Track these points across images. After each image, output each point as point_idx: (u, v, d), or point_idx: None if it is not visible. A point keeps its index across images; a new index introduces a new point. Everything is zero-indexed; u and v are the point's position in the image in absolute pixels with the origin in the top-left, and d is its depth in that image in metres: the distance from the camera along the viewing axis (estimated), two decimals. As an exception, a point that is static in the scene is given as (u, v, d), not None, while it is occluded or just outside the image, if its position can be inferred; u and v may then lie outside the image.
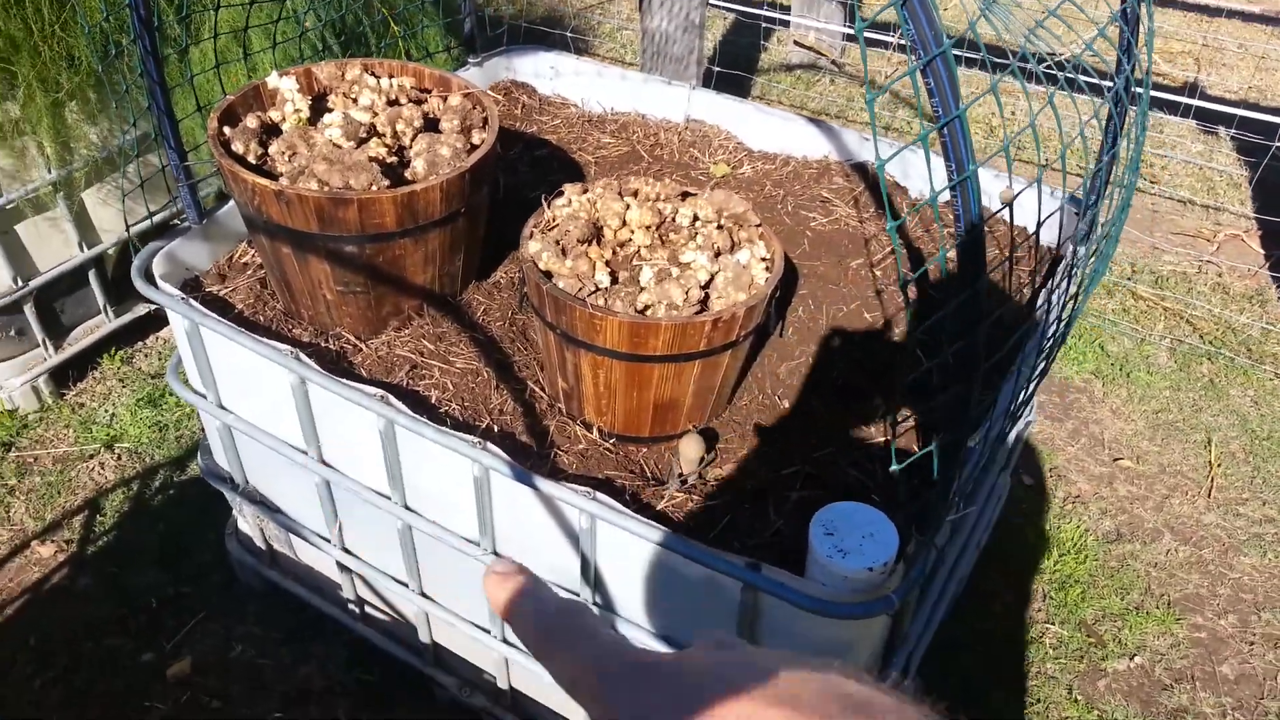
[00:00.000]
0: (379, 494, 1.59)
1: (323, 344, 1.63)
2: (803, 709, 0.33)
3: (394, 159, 1.59)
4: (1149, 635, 2.07)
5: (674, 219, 1.51)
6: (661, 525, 1.26)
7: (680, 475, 1.41)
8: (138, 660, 1.96)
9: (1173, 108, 3.53)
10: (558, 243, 1.43)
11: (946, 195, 0.97)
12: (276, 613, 2.03)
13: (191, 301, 1.59)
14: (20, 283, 2.36)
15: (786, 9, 4.44)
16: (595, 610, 1.42)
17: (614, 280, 1.41)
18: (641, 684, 0.37)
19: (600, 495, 1.28)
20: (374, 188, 1.48)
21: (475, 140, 1.64)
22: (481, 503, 1.43)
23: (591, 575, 1.39)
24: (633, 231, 1.48)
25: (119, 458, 2.38)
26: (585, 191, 1.54)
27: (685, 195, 1.57)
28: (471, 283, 1.75)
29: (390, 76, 1.75)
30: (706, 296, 1.38)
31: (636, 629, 1.40)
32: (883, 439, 1.47)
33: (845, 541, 1.17)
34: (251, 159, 1.55)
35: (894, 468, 1.10)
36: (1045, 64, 1.14)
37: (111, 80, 2.23)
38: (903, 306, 1.64)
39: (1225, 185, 3.57)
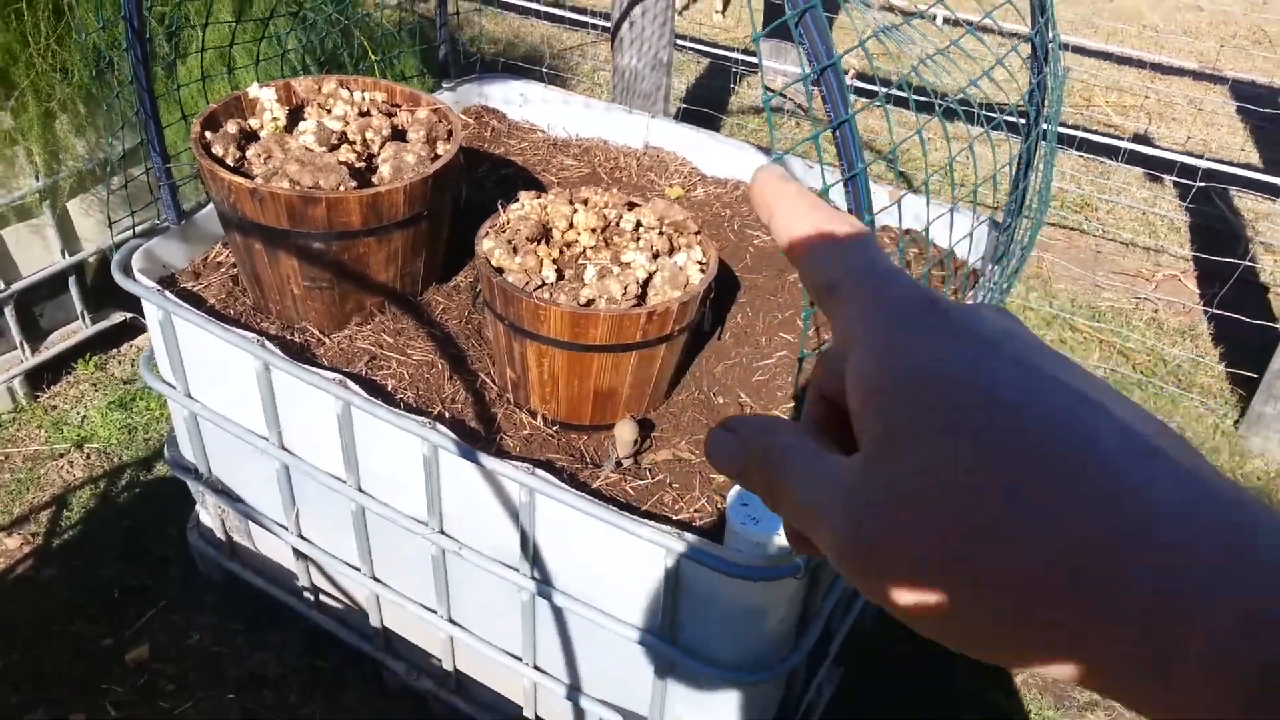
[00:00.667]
0: (335, 477, 1.68)
1: (289, 336, 1.73)
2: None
3: (362, 164, 1.71)
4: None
5: (618, 223, 1.63)
6: (596, 500, 1.36)
7: (616, 459, 1.51)
8: (98, 645, 2.02)
9: (1120, 156, 3.72)
10: (509, 241, 1.55)
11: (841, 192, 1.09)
12: (235, 603, 2.10)
13: (166, 293, 1.70)
14: (2, 285, 2.45)
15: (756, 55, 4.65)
16: (533, 584, 1.52)
17: (560, 276, 1.52)
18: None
19: (539, 471, 1.38)
20: (342, 188, 1.59)
21: (439, 151, 1.76)
22: (430, 482, 1.53)
23: (531, 550, 1.49)
24: (579, 233, 1.60)
25: (88, 457, 2.46)
26: (538, 198, 1.67)
27: (631, 205, 1.70)
28: (432, 284, 1.86)
29: (364, 91, 1.88)
30: (645, 293, 1.50)
31: (573, 601, 1.50)
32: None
33: (758, 511, 1.28)
34: (230, 161, 1.66)
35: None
36: (966, 105, 1.28)
37: (102, 93, 2.35)
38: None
39: (1166, 229, 3.75)
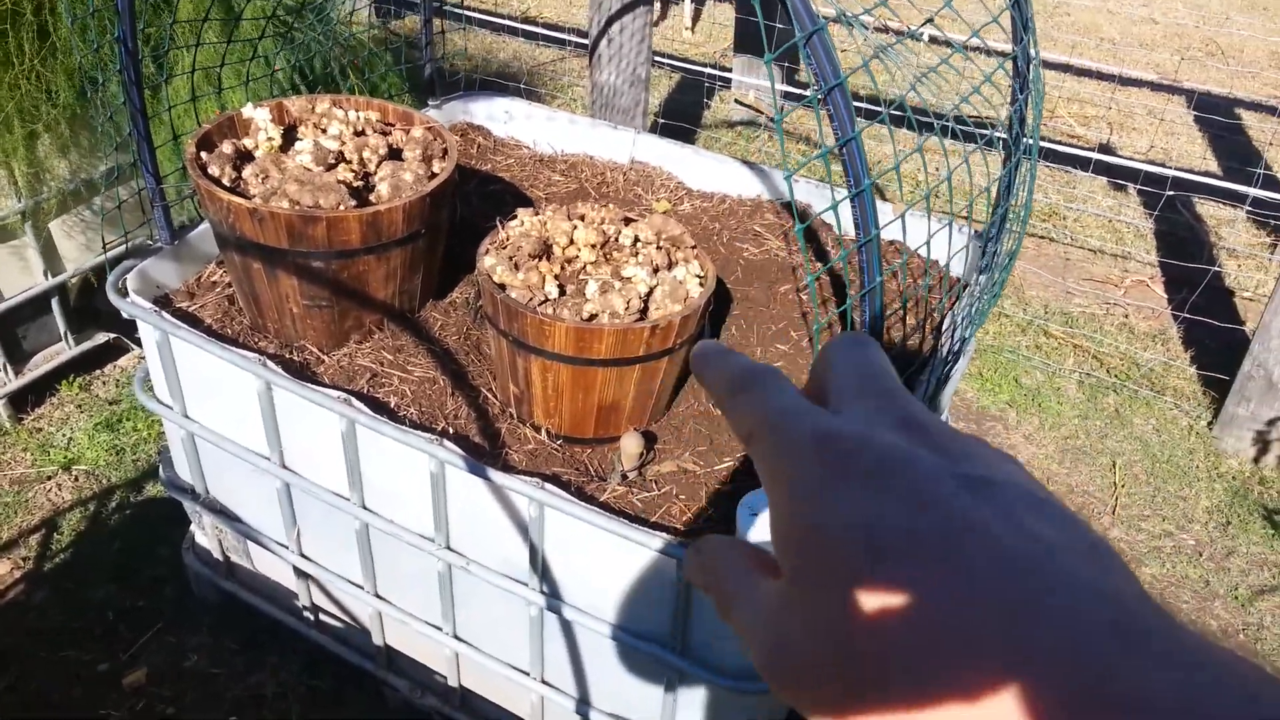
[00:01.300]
0: (338, 495, 1.68)
1: (288, 355, 1.73)
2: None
3: (360, 183, 1.72)
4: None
5: (617, 239, 1.66)
6: (606, 513, 1.38)
7: (622, 471, 1.53)
8: (94, 670, 2.00)
9: (1086, 165, 3.82)
10: (511, 258, 1.57)
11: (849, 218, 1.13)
12: (231, 624, 2.09)
13: (164, 314, 1.70)
14: (-16, 307, 2.43)
15: (729, 69, 4.70)
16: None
17: (562, 292, 1.55)
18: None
19: (548, 485, 1.40)
20: (341, 207, 1.61)
21: (435, 169, 1.78)
22: (437, 498, 1.54)
23: (540, 564, 1.51)
24: (579, 249, 1.62)
25: (76, 479, 2.43)
26: (537, 214, 1.69)
27: (628, 220, 1.73)
28: (429, 301, 1.87)
29: (358, 110, 1.89)
30: (646, 307, 1.53)
31: (583, 615, 1.51)
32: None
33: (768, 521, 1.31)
34: (226, 181, 1.67)
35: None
36: (955, 122, 1.33)
37: (86, 114, 2.34)
38: (825, 326, 1.80)
39: (1132, 236, 3.85)
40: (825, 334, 1.76)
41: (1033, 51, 1.59)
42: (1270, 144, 4.59)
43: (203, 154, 1.70)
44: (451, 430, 1.60)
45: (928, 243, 1.40)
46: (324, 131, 1.81)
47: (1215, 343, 3.15)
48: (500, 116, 2.56)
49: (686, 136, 4.27)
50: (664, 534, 1.34)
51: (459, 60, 4.69)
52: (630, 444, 1.51)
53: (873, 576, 0.26)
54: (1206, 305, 3.21)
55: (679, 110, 4.56)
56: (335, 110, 1.87)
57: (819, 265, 1.95)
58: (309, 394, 1.55)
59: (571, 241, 1.62)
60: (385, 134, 1.86)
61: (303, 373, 1.69)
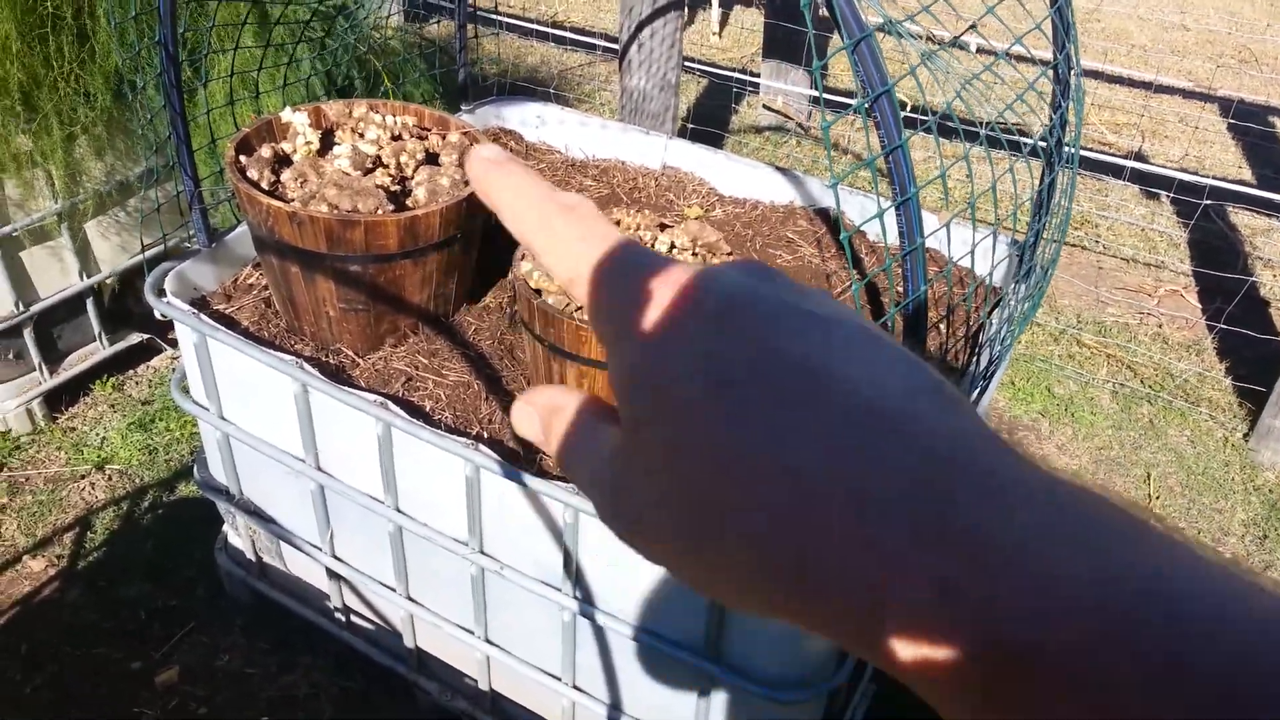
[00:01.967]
0: (372, 498, 1.69)
1: (323, 358, 1.74)
2: None
3: (397, 188, 1.73)
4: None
5: (653, 245, 1.66)
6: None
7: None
8: (126, 668, 2.02)
9: (1118, 173, 3.78)
10: (548, 264, 1.57)
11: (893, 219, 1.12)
12: (264, 624, 2.10)
13: (202, 316, 1.71)
14: (21, 307, 2.46)
15: (757, 74, 4.70)
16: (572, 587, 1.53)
17: (599, 298, 1.54)
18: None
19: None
20: (379, 211, 1.61)
21: (471, 174, 1.78)
22: (472, 502, 1.54)
23: (574, 570, 1.50)
24: (616, 256, 1.62)
25: (109, 478, 2.46)
26: (572, 220, 1.69)
27: (663, 226, 1.72)
28: (463, 305, 1.88)
29: (394, 115, 1.90)
30: (682, 314, 1.52)
31: (616, 621, 1.51)
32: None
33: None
34: (265, 185, 1.68)
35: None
36: (1000, 131, 1.32)
37: (123, 117, 2.36)
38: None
39: (1165, 245, 3.81)
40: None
41: (1075, 58, 1.58)
42: (1306, 152, 4.53)
43: (242, 157, 1.72)
44: (486, 435, 1.60)
45: (971, 252, 1.38)
46: (361, 136, 1.82)
47: (1251, 353, 3.10)
48: (532, 121, 2.57)
49: (714, 141, 4.27)
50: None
51: (490, 65, 4.71)
52: (666, 451, 1.51)
53: (713, 411, 0.25)
54: (1242, 315, 3.17)
55: (706, 115, 4.56)
56: (372, 115, 1.88)
57: (859, 273, 1.94)
58: (346, 397, 1.56)
59: (608, 247, 1.62)
60: (422, 139, 1.87)
61: (338, 376, 1.70)
